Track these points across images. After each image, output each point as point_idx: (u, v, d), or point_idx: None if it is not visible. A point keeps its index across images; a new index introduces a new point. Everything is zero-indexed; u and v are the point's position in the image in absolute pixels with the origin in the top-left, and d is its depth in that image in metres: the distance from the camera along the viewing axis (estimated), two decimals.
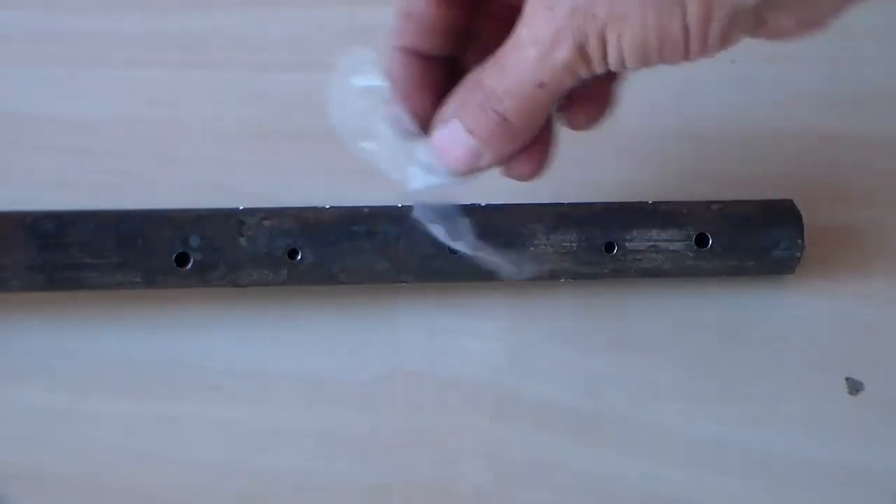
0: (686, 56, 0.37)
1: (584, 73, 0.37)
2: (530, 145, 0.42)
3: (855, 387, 0.45)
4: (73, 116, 0.49)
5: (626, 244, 0.44)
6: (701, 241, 0.44)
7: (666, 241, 0.44)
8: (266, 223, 0.42)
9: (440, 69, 0.41)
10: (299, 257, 0.42)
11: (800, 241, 0.44)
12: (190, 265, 0.42)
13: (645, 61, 0.37)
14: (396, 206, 0.43)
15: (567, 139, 0.48)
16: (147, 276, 0.42)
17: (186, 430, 0.42)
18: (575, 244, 0.43)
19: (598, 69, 0.37)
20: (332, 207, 0.43)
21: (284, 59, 0.52)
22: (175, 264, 0.42)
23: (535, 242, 0.43)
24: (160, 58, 0.51)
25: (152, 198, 0.46)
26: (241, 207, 0.43)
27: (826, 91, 0.52)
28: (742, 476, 0.43)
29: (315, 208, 0.43)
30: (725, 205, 0.44)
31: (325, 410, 0.43)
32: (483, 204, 0.44)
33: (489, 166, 0.41)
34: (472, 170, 0.41)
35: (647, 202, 0.44)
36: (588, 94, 0.41)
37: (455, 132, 0.40)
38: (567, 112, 0.41)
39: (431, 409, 0.43)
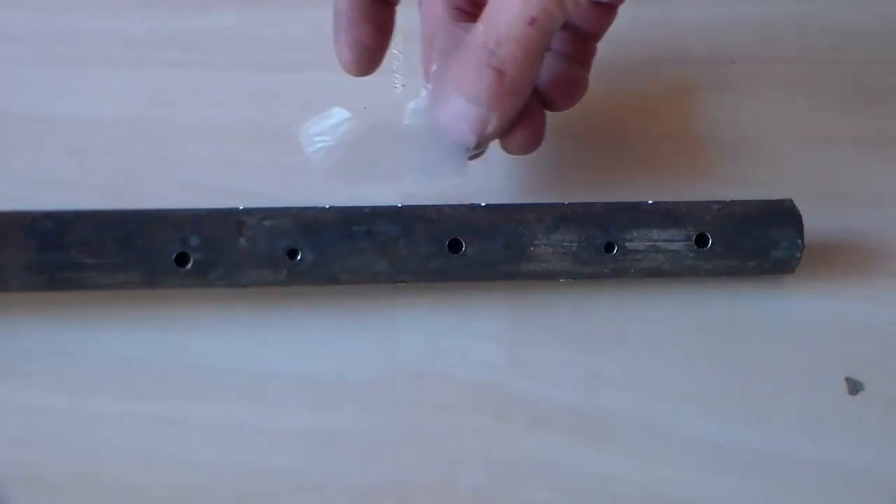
0: None
1: (570, 1, 0.39)
2: (526, 116, 0.43)
3: (855, 387, 0.45)
4: (73, 116, 0.49)
5: (626, 244, 0.44)
6: (701, 241, 0.44)
7: (666, 241, 0.44)
8: (266, 223, 0.42)
9: (383, 11, 0.43)
10: (299, 257, 0.42)
11: (800, 241, 0.44)
12: (190, 265, 0.42)
13: None
14: (396, 206, 0.43)
15: (567, 139, 0.48)
16: (147, 276, 0.42)
17: (186, 430, 0.42)
18: (575, 244, 0.43)
19: None
20: (332, 207, 0.43)
21: (284, 59, 0.52)
22: (175, 264, 0.42)
23: (535, 242, 0.43)
24: (160, 58, 0.51)
25: (152, 198, 0.46)
26: (241, 207, 0.43)
27: (826, 91, 0.52)
28: (742, 476, 0.43)
29: (315, 208, 0.43)
30: (725, 205, 0.44)
31: (325, 410, 0.43)
32: (483, 204, 0.44)
33: (498, 130, 0.42)
34: (482, 139, 0.42)
35: (647, 202, 0.44)
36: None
37: (456, 106, 0.41)
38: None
39: (431, 409, 0.43)
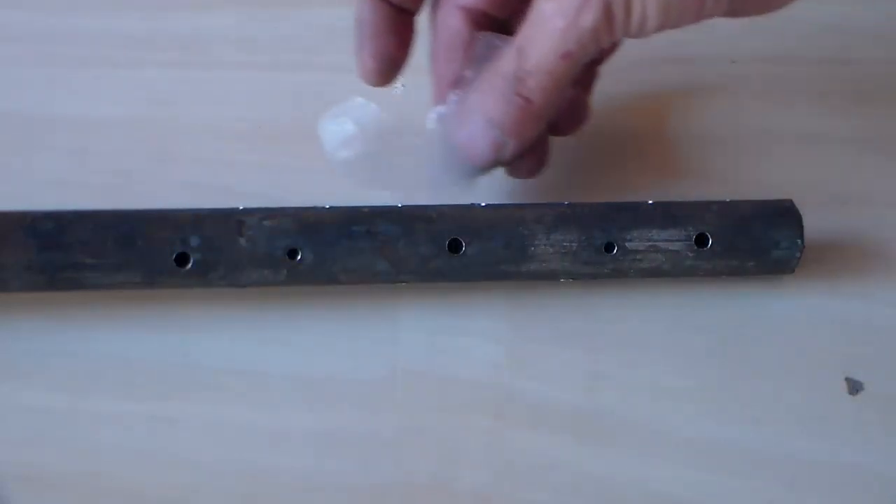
0: (699, 15, 0.38)
1: (606, 38, 0.39)
2: (534, 143, 0.42)
3: (855, 387, 0.45)
4: (73, 116, 0.49)
5: (626, 244, 0.44)
6: (701, 241, 0.44)
7: (666, 241, 0.44)
8: (266, 223, 0.42)
9: (405, 21, 0.43)
10: (299, 257, 0.42)
11: (799, 241, 0.44)
12: (190, 265, 0.42)
13: (665, 20, 0.38)
14: (396, 206, 0.43)
15: (567, 139, 0.48)
16: (147, 276, 0.42)
17: (186, 430, 0.42)
18: (575, 244, 0.43)
19: (620, 33, 0.38)
20: (332, 207, 0.43)
21: (284, 59, 0.52)
22: (175, 264, 0.42)
23: (535, 242, 0.43)
24: (160, 58, 0.51)
25: (152, 198, 0.46)
26: (241, 207, 0.43)
27: (826, 91, 0.52)
28: (742, 476, 0.43)
29: (315, 208, 0.43)
30: (725, 205, 0.44)
31: (325, 410, 0.43)
32: (483, 204, 0.44)
33: (513, 155, 0.42)
34: (496, 162, 0.42)
35: (647, 202, 0.44)
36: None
37: (477, 127, 0.41)
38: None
39: (431, 409, 0.43)
